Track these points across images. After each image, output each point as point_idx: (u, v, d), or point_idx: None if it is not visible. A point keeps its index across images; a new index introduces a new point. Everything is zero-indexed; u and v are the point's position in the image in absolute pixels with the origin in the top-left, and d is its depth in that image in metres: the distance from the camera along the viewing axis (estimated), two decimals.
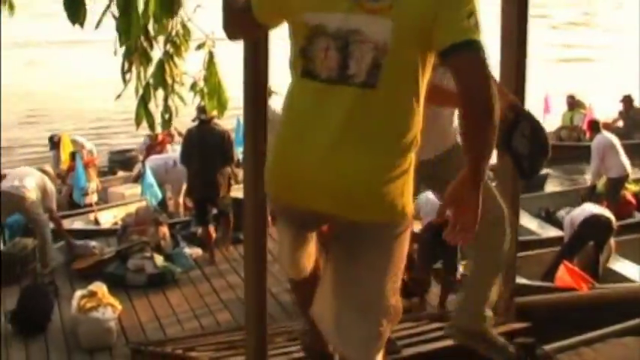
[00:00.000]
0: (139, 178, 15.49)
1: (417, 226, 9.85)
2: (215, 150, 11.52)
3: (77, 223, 13.56)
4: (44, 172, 11.86)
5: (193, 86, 4.91)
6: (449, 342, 5.22)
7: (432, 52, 3.25)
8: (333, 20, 3.24)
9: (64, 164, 15.60)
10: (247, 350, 4.82)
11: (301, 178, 3.33)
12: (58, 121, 23.76)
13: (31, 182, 11.11)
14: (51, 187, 11.57)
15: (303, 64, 3.35)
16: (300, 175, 3.33)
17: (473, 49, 3.11)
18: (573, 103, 20.10)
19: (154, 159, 14.67)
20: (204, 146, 11.49)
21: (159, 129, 5.04)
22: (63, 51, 35.47)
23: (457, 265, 9.69)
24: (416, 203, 9.72)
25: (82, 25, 3.98)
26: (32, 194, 11.07)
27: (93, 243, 11.81)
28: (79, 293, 9.55)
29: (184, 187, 13.34)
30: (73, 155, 15.20)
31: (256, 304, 4.60)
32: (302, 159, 3.32)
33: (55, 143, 16.39)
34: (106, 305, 9.26)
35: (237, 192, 11.24)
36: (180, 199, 14.27)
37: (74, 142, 16.24)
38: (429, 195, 9.83)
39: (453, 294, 9.88)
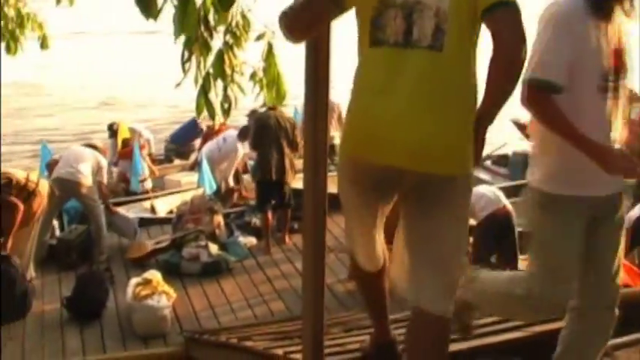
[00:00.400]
0: (195, 167, 15.65)
1: (472, 221, 9.85)
2: (285, 136, 11.64)
3: (133, 211, 13.71)
4: (94, 147, 11.96)
5: (253, 76, 4.94)
6: (507, 335, 5.22)
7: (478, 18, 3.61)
8: None
9: (119, 150, 15.75)
10: (304, 341, 4.83)
11: (382, 136, 3.64)
12: (129, 109, 23.98)
13: (86, 167, 11.25)
14: (104, 162, 11.74)
15: (372, 34, 3.71)
16: (380, 134, 3.64)
17: (510, 7, 3.51)
18: (632, 98, 19.90)
19: (208, 145, 14.80)
20: (277, 131, 11.65)
21: (219, 119, 5.09)
22: (132, 40, 35.97)
23: (515, 259, 9.68)
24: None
25: (155, 18, 4.03)
26: (88, 180, 11.22)
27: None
28: (134, 281, 9.65)
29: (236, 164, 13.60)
30: (125, 142, 15.34)
31: (314, 294, 4.61)
32: (381, 119, 3.63)
33: (114, 132, 16.55)
34: (160, 293, 9.34)
35: (295, 182, 11.34)
36: (231, 180, 14.39)
37: (132, 130, 16.37)
38: (483, 189, 9.83)
39: None
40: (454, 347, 4.96)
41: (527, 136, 16.73)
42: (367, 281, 4.49)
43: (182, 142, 17.46)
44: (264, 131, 11.73)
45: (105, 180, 11.82)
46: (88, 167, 11.26)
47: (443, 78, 3.62)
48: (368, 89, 3.74)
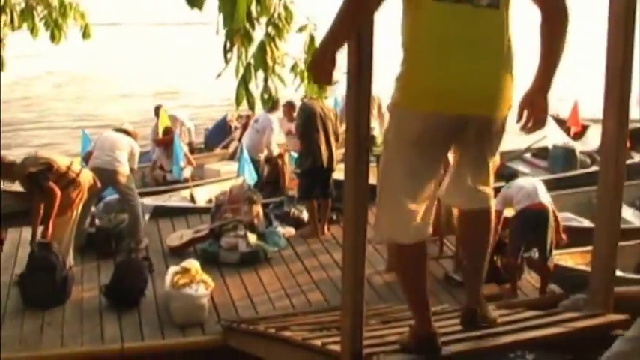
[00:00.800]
0: (234, 156, 15.72)
1: (510, 212, 9.86)
2: (331, 126, 11.77)
3: (173, 200, 13.82)
4: (126, 132, 12.03)
5: (293, 68, 4.97)
6: (547, 330, 5.22)
7: None
8: None
9: (159, 137, 15.81)
10: (343, 331, 4.88)
11: (458, 89, 4.15)
12: (185, 97, 24.08)
13: (122, 155, 11.35)
14: (137, 148, 11.87)
15: None
16: (456, 87, 4.14)
17: None
18: None
19: (246, 134, 14.87)
20: (324, 120, 11.75)
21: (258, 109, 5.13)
22: (167, 31, 36.22)
23: (549, 253, 9.68)
24: (508, 191, 9.76)
25: (200, 8, 4.06)
26: (125, 168, 11.34)
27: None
28: (172, 269, 9.73)
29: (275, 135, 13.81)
30: (166, 130, 15.43)
31: (354, 285, 4.65)
32: (457, 74, 4.12)
33: (158, 115, 16.58)
34: (198, 282, 9.41)
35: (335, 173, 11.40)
36: (274, 147, 14.49)
37: (173, 117, 16.43)
38: (521, 182, 9.84)
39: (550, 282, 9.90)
40: (496, 341, 4.99)
41: (567, 131, 16.63)
42: (410, 267, 4.61)
43: (216, 143, 17.47)
44: (312, 120, 11.80)
45: (136, 166, 11.95)
46: (125, 155, 11.37)
47: (501, 32, 4.17)
48: (437, 45, 4.12)
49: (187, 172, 14.66)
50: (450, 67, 4.10)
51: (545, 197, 9.79)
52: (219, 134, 17.44)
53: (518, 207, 9.69)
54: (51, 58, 27.66)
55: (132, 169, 11.72)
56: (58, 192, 9.69)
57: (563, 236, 10.04)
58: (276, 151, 14.70)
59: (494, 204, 4.89)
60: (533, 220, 9.66)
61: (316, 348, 5.80)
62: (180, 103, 22.57)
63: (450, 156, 4.77)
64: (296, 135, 12.58)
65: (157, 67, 30.98)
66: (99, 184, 10.78)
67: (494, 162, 4.87)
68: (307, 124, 11.85)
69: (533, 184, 9.91)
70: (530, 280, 10.15)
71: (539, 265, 9.84)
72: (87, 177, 10.16)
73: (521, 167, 15.99)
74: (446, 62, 4.10)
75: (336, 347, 5.17)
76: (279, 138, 15.04)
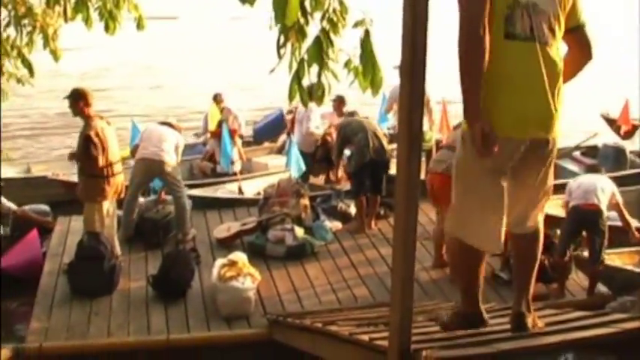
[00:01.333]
0: (282, 150, 15.80)
1: (555, 210, 9.85)
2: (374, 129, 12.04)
3: (221, 192, 13.95)
4: (169, 125, 12.12)
5: (347, 64, 4.99)
6: (595, 331, 5.23)
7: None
8: None
9: (211, 129, 15.91)
10: (391, 327, 4.91)
11: (525, 112, 4.85)
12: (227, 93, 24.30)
13: (169, 146, 11.45)
14: (182, 141, 11.94)
15: (507, 28, 4.80)
16: (524, 111, 4.84)
17: (587, 27, 5.16)
18: None
19: (296, 128, 14.94)
20: (365, 124, 12.07)
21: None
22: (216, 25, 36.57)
23: (601, 253, 9.65)
24: (571, 184, 9.75)
25: (252, 4, 4.11)
26: (172, 159, 11.46)
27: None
28: (219, 262, 9.80)
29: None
30: (220, 123, 15.55)
31: (402, 282, 4.70)
32: (524, 100, 4.84)
33: (217, 101, 16.65)
34: (245, 275, 9.47)
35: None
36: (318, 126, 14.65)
37: (227, 110, 16.54)
38: (583, 178, 9.81)
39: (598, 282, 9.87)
40: (544, 340, 5.02)
41: (617, 130, 16.51)
42: (477, 264, 5.33)
43: (267, 138, 17.53)
44: (351, 125, 12.08)
45: (179, 159, 12.01)
46: (171, 146, 11.49)
47: (556, 65, 4.91)
48: (506, 80, 4.82)
49: (237, 166, 14.75)
50: (522, 96, 4.83)
51: (603, 197, 9.74)
52: (271, 129, 17.48)
53: (572, 203, 9.69)
54: (108, 50, 27.92)
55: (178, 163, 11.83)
56: (98, 146, 9.89)
57: (637, 234, 10.08)
58: (319, 131, 14.80)
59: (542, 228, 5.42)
60: (583, 219, 9.64)
61: (364, 343, 5.85)
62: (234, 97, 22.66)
63: None
64: (339, 147, 12.59)
65: (216, 61, 31.16)
66: (138, 175, 11.20)
67: (549, 190, 5.30)
68: (347, 130, 12.10)
69: (594, 183, 9.84)
70: (577, 280, 10.11)
71: (588, 266, 9.82)
72: (119, 181, 10.28)
73: (570, 165, 15.92)
74: (517, 93, 4.82)
75: (384, 343, 5.22)
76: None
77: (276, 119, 17.56)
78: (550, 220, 10.60)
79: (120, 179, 10.32)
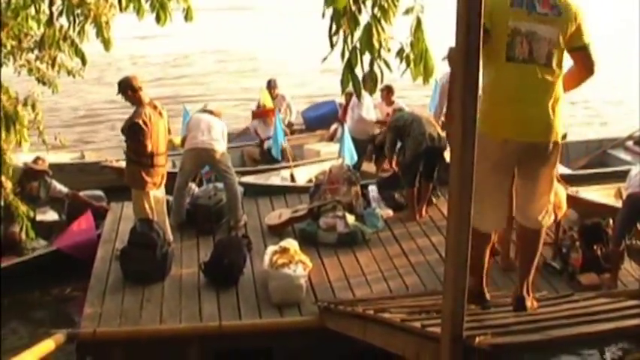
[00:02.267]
0: (333, 137, 15.85)
1: (607, 199, 9.81)
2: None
3: (273, 179, 14.07)
4: (210, 112, 12.19)
5: (400, 52, 5.01)
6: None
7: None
8: (523, 25, 5.98)
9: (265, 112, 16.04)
10: (444, 314, 4.96)
11: (524, 121, 6.03)
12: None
13: (217, 133, 11.59)
14: (226, 128, 12.05)
15: (508, 52, 5.99)
16: (523, 119, 6.03)
17: (590, 48, 6.17)
18: None
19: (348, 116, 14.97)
20: (416, 114, 12.23)
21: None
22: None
23: None
24: (630, 172, 9.72)
25: None
26: (222, 146, 11.59)
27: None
28: (271, 249, 9.91)
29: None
30: (267, 110, 15.65)
31: (456, 269, 4.75)
32: (523, 111, 6.02)
33: (270, 87, 16.75)
34: (297, 262, 9.54)
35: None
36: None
37: (280, 97, 16.62)
38: (638, 168, 9.73)
39: None
40: (593, 328, 5.04)
41: None
42: (482, 243, 6.36)
43: (319, 127, 17.54)
44: (403, 117, 12.27)
45: (225, 145, 12.06)
46: (219, 133, 11.63)
47: (553, 83, 6.06)
48: (507, 94, 6.04)
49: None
50: (521, 108, 6.03)
51: None
52: (324, 119, 17.47)
53: (628, 192, 9.63)
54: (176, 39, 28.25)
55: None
56: (148, 146, 10.08)
57: None
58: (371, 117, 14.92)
59: (546, 223, 6.48)
60: (638, 207, 9.58)
61: (416, 330, 5.91)
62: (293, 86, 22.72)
63: None
64: (391, 142, 12.58)
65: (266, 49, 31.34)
66: (188, 164, 11.58)
67: (549, 188, 6.38)
68: (398, 123, 12.17)
69: None
70: (630, 270, 10.03)
71: None
72: (161, 173, 10.44)
73: (622, 155, 15.79)
74: (518, 104, 6.03)
75: (436, 330, 5.27)
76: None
77: (330, 110, 17.57)
78: (602, 208, 10.62)
79: (162, 171, 10.45)
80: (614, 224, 9.92)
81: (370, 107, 14.86)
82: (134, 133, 10.03)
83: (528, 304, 6.33)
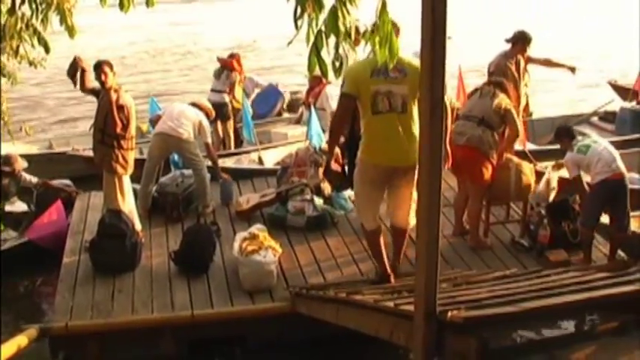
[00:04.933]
0: (300, 120, 15.93)
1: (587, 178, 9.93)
2: None
3: (241, 162, 14.29)
4: (198, 106, 12.30)
5: (364, 34, 5.10)
6: (619, 289, 5.36)
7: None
8: (382, 87, 8.11)
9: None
10: (417, 291, 5.06)
11: (390, 152, 8.22)
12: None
13: (187, 122, 11.62)
14: (206, 122, 12.04)
15: (373, 109, 8.16)
16: (388, 151, 8.22)
17: None
18: None
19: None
20: None
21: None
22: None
23: (627, 219, 9.72)
24: (584, 157, 9.80)
25: None
26: (189, 134, 11.62)
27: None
28: (240, 235, 9.96)
29: None
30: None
31: (428, 244, 4.86)
32: (388, 145, 8.20)
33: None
34: (267, 248, 9.59)
35: None
36: None
37: (249, 79, 16.61)
38: (598, 150, 9.84)
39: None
40: (564, 299, 5.16)
41: (634, 95, 16.46)
42: (374, 238, 8.85)
43: (266, 112, 17.54)
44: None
45: (210, 140, 12.18)
46: (189, 123, 11.64)
47: (408, 124, 8.14)
48: (376, 135, 8.25)
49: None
50: (387, 143, 8.21)
51: (621, 163, 9.81)
52: (267, 105, 17.48)
53: (599, 177, 9.66)
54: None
55: (207, 144, 12.03)
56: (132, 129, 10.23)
57: None
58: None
59: (410, 223, 8.61)
60: (614, 190, 9.65)
61: (389, 309, 6.03)
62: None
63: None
64: None
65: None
66: (156, 149, 11.66)
67: (410, 195, 8.48)
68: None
69: (610, 152, 9.81)
70: (598, 246, 10.19)
71: (613, 233, 9.89)
72: (132, 158, 10.53)
73: (587, 130, 15.98)
74: (384, 140, 8.23)
75: (410, 307, 5.37)
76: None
77: (276, 98, 17.61)
78: (567, 182, 10.71)
79: (132, 157, 10.52)
80: (583, 207, 10.05)
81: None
82: (121, 115, 10.09)
83: (392, 280, 8.67)
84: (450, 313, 4.87)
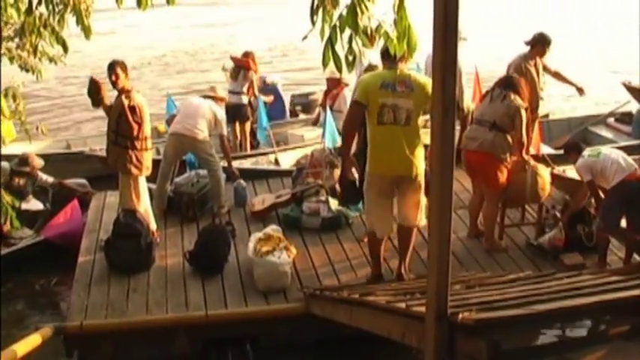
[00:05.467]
0: (317, 122, 15.91)
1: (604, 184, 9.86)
2: None
3: (256, 164, 14.30)
4: (212, 97, 12.29)
5: (378, 29, 5.09)
6: (632, 292, 5.32)
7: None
8: (388, 101, 8.47)
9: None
10: (429, 292, 5.04)
11: (393, 162, 8.61)
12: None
13: (202, 121, 11.61)
14: (221, 114, 12.03)
15: (378, 119, 8.54)
16: (391, 161, 8.62)
17: None
18: None
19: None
20: None
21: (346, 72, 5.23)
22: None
23: None
24: (596, 161, 9.73)
25: None
26: (204, 134, 11.63)
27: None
28: (255, 236, 9.99)
29: None
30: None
31: (440, 245, 4.84)
32: (391, 156, 8.61)
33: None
34: (281, 249, 9.62)
35: None
36: None
37: (261, 78, 16.61)
38: (610, 155, 9.77)
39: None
40: (576, 302, 5.13)
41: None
42: (377, 242, 9.25)
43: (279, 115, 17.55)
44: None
45: (225, 132, 12.16)
46: (204, 121, 11.64)
47: (411, 137, 8.55)
48: (380, 146, 8.67)
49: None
50: (389, 153, 8.62)
51: (636, 166, 9.75)
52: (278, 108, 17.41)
53: (615, 181, 9.61)
54: None
55: (222, 136, 12.01)
56: (145, 129, 10.23)
57: None
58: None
59: (418, 223, 9.05)
60: (633, 190, 9.61)
61: (401, 311, 6.02)
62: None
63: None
64: None
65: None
66: (171, 149, 11.63)
67: (418, 202, 8.89)
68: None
69: (622, 156, 9.80)
70: (612, 249, 10.13)
71: (629, 236, 9.83)
72: (151, 157, 10.53)
73: (604, 132, 15.97)
74: (387, 151, 8.65)
75: (421, 309, 5.36)
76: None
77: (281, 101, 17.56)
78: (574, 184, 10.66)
79: (151, 156, 10.55)
80: (601, 212, 9.92)
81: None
82: (134, 116, 10.09)
83: (405, 278, 9.18)
84: (461, 315, 4.85)
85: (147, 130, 10.33)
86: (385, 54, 8.61)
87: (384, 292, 7.55)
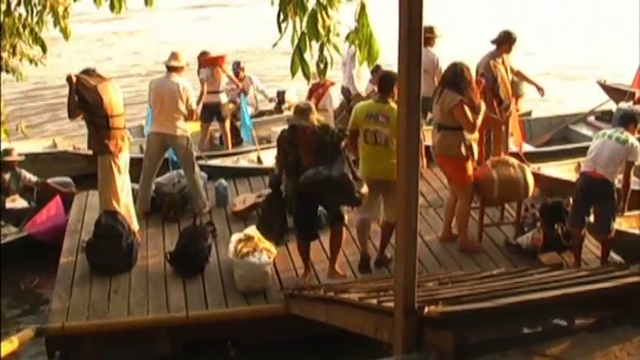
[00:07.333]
0: None
1: (567, 174, 10.00)
2: None
3: (240, 162, 14.41)
4: (175, 69, 11.96)
5: (348, 37, 5.25)
6: (595, 285, 5.48)
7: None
8: (371, 127, 9.97)
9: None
10: (396, 285, 5.17)
11: (374, 169, 9.98)
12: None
13: (177, 115, 11.66)
14: (188, 86, 11.92)
15: (365, 140, 10.04)
16: (372, 169, 10.01)
17: None
18: None
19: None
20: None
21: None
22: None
23: (611, 221, 9.75)
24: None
25: None
26: (185, 132, 11.79)
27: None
28: (235, 237, 10.07)
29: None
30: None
31: (406, 238, 4.98)
32: (372, 165, 10.03)
33: (238, 69, 16.53)
34: (261, 250, 9.70)
35: None
36: None
37: (249, 79, 16.65)
38: (596, 143, 9.90)
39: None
40: (540, 295, 5.29)
41: (631, 96, 16.47)
42: (362, 226, 10.36)
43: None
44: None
45: (195, 106, 12.03)
46: (180, 114, 11.72)
47: (389, 153, 9.48)
48: (366, 158, 10.10)
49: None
50: (372, 162, 10.01)
51: (612, 165, 9.73)
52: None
53: (582, 169, 9.79)
54: None
55: (190, 111, 11.90)
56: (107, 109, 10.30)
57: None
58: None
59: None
60: (589, 187, 9.76)
61: (373, 306, 6.17)
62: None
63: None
64: None
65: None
66: (150, 148, 11.74)
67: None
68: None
69: (603, 150, 9.77)
70: (591, 248, 10.31)
71: (598, 234, 10.01)
72: (120, 136, 10.57)
73: (584, 130, 16.11)
74: (370, 161, 10.05)
75: (392, 304, 5.50)
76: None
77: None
78: (563, 184, 10.82)
79: (120, 134, 10.55)
80: (572, 204, 10.14)
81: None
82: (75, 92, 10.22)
83: (387, 260, 10.27)
84: (427, 309, 5.00)
85: (114, 109, 10.38)
86: (381, 86, 10.12)
87: (357, 289, 7.67)
